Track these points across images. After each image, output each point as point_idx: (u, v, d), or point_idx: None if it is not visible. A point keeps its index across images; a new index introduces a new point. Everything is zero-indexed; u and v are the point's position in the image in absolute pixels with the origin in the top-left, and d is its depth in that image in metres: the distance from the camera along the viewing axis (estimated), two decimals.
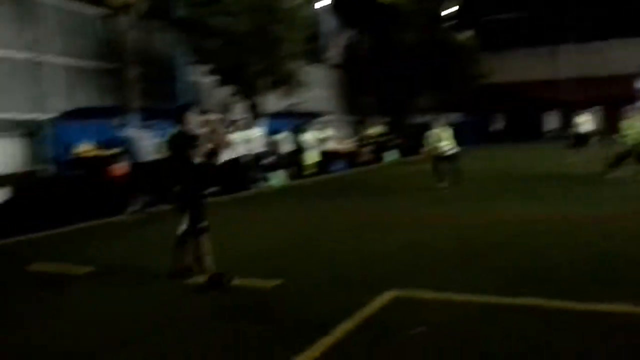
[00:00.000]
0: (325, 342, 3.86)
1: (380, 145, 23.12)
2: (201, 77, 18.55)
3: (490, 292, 4.82)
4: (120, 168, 13.39)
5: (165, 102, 16.71)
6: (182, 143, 5.65)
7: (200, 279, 5.44)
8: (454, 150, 12.77)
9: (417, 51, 29.50)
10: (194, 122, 5.81)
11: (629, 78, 34.93)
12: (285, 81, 18.17)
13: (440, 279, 5.37)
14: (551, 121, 37.49)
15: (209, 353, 3.85)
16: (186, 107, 5.94)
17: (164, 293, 5.36)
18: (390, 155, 23.31)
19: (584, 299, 4.50)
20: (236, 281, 5.39)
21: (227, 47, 16.32)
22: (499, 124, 38.29)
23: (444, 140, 12.64)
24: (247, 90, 17.25)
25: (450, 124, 14.75)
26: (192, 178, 5.57)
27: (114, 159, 14.48)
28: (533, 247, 6.49)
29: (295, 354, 3.67)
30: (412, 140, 28.71)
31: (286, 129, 17.69)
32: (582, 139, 17.94)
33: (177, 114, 5.84)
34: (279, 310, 4.68)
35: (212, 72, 17.33)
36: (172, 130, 5.85)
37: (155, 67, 17.81)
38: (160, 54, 18.34)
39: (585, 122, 18.38)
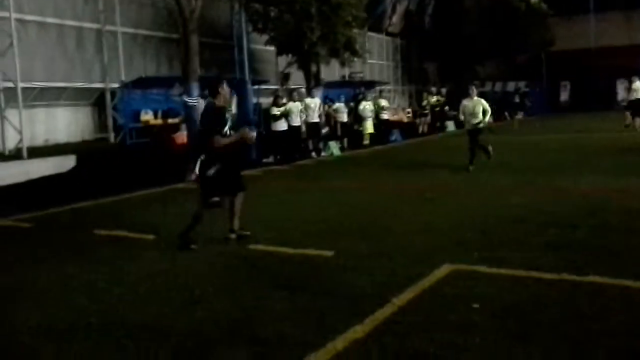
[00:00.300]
0: (384, 312, 3.86)
1: (438, 116, 22.55)
2: (261, 46, 18.61)
3: (555, 270, 4.65)
4: (181, 137, 13.74)
5: (225, 71, 16.91)
6: (212, 116, 5.77)
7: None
8: (481, 125, 11.14)
9: (481, 17, 28.42)
10: (226, 94, 5.85)
11: None
12: (343, 49, 17.97)
13: (500, 253, 5.23)
14: (623, 90, 35.51)
15: (267, 321, 3.91)
16: (218, 80, 5.96)
17: (221, 259, 5.48)
18: (449, 126, 22.77)
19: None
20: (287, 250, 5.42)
21: (287, 15, 16.27)
22: (567, 93, 36.69)
23: (477, 113, 11.05)
24: (306, 58, 17.18)
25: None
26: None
27: (176, 128, 14.88)
28: (600, 224, 6.22)
29: (352, 325, 3.67)
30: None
31: (343, 98, 17.56)
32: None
33: (209, 87, 5.89)
34: (334, 281, 4.68)
35: (271, 40, 17.35)
36: (206, 102, 5.95)
37: (216, 37, 18.01)
38: (220, 23, 18.51)
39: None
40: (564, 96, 35.78)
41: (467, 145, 11.12)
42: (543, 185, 9.10)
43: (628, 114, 18.20)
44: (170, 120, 15.60)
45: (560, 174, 10.11)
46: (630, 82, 18.18)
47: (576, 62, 35.42)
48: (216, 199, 5.76)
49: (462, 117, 11.64)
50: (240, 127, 6.29)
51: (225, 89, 5.87)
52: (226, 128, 5.92)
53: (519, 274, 4.62)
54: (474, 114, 11.03)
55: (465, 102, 11.33)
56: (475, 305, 3.95)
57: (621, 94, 35.06)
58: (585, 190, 8.45)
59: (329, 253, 5.45)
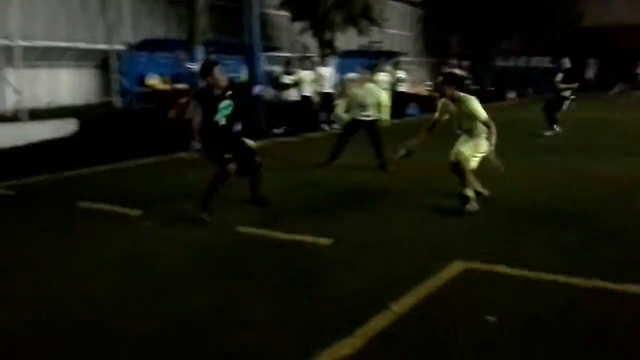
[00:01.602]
0: (379, 322, 3.27)
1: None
2: (272, 11, 17.75)
3: (586, 272, 4.01)
4: (187, 103, 13.11)
5: (233, 36, 16.14)
6: (209, 99, 5.52)
7: None
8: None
9: None
10: (220, 77, 5.53)
11: None
12: (360, 17, 17.08)
13: (523, 251, 4.58)
14: None
15: (239, 328, 3.34)
16: (212, 63, 5.80)
17: (205, 243, 4.92)
18: None
19: None
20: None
21: None
22: (593, 71, 35.30)
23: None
24: (320, 25, 16.33)
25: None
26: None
27: (182, 93, 14.26)
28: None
29: (340, 338, 3.08)
30: (495, 85, 26.90)
31: (360, 69, 16.73)
32: None
33: (202, 71, 5.66)
34: (327, 278, 4.08)
35: (284, 4, 16.50)
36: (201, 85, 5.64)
37: None
38: None
39: None
40: (589, 74, 34.38)
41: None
42: (575, 169, 8.33)
43: None
44: (178, 86, 14.98)
45: (595, 157, 9.34)
46: None
47: (603, 39, 33.98)
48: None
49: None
50: (240, 118, 5.73)
51: (218, 72, 5.53)
52: (219, 116, 5.48)
53: (545, 277, 3.98)
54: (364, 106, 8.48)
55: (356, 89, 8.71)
56: (492, 319, 3.33)
57: None
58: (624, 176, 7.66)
59: (326, 241, 4.84)
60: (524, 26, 28.48)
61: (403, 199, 6.54)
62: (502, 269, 4.14)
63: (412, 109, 17.84)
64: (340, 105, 9.20)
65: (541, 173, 8.06)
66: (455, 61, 22.90)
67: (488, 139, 5.68)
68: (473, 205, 5.66)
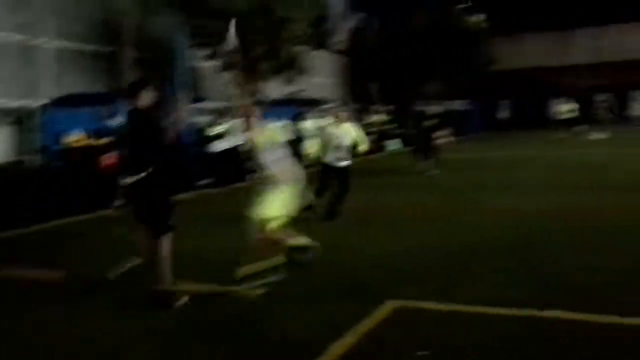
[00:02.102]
0: None
1: (382, 134, 22.37)
2: (201, 62, 17.86)
3: (510, 302, 4.18)
4: (111, 159, 12.79)
5: (161, 88, 16.04)
6: (142, 121, 4.82)
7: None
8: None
9: (425, 36, 28.64)
10: (149, 99, 4.87)
11: None
12: (288, 66, 17.44)
13: (450, 286, 4.74)
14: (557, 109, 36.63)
15: None
16: (140, 83, 5.02)
17: (132, 312, 4.75)
18: (393, 145, 22.60)
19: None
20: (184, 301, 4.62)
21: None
22: (506, 112, 37.50)
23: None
24: (248, 75, 16.53)
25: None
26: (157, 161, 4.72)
27: (105, 149, 13.89)
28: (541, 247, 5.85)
29: None
30: (417, 128, 27.97)
31: (286, 117, 16.99)
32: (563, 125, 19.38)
33: (130, 91, 4.92)
34: (263, 327, 4.06)
35: (212, 56, 16.62)
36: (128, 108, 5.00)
37: (152, 51, 17.12)
38: (157, 37, 17.65)
39: (568, 110, 19.94)
40: (503, 114, 36.48)
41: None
42: (493, 206, 8.75)
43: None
44: (100, 141, 14.59)
45: (513, 193, 9.85)
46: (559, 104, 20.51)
47: (516, 81, 36.28)
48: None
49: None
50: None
51: (149, 92, 4.87)
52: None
53: (473, 310, 4.13)
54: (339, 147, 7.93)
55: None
56: (423, 353, 3.41)
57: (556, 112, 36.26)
58: (543, 209, 8.11)
59: (258, 291, 4.81)
60: (441, 71, 30.01)
61: (337, 244, 6.61)
62: (431, 305, 4.27)
63: None
64: (312, 146, 8.77)
65: (466, 211, 8.40)
66: (377, 107, 23.74)
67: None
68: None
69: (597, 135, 21.35)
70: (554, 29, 36.75)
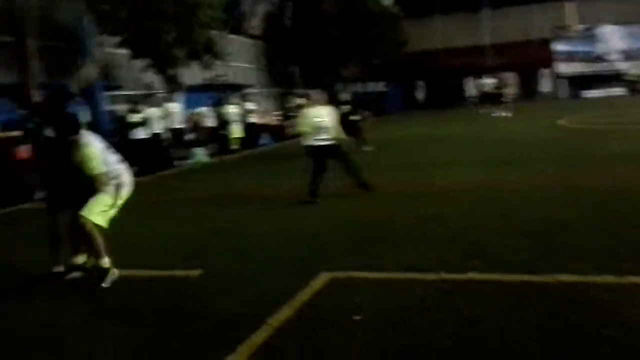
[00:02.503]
0: (259, 336, 3.44)
1: None
2: (112, 50, 17.25)
3: (430, 268, 4.53)
4: (24, 152, 12.23)
5: (71, 78, 15.39)
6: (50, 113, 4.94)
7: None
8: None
9: (339, 19, 29.02)
10: (56, 91, 5.03)
11: (546, 42, 36.22)
12: (203, 52, 17.20)
13: (375, 255, 5.04)
14: (472, 87, 38.52)
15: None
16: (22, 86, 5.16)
17: (62, 293, 4.72)
18: None
19: (533, 271, 4.28)
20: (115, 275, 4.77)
21: (138, 15, 15.15)
22: (422, 92, 38.82)
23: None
24: (163, 62, 16.18)
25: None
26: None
27: (17, 141, 13.22)
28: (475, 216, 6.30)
29: (223, 356, 3.22)
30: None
31: (207, 103, 16.86)
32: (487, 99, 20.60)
33: (18, 94, 5.04)
34: (202, 305, 4.17)
35: (123, 43, 16.10)
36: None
37: (59, 39, 16.35)
38: (64, 25, 16.85)
39: (490, 84, 20.97)
40: (420, 95, 37.79)
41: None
42: (417, 178, 9.23)
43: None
44: (11, 134, 13.84)
45: (441, 167, 10.38)
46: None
47: (429, 62, 37.61)
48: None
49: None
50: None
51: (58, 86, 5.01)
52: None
53: (398, 276, 4.44)
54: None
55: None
56: (357, 317, 3.67)
57: (469, 91, 38.09)
58: (449, 183, 8.66)
59: (195, 272, 4.91)
60: (357, 54, 30.58)
61: (271, 223, 6.78)
62: (362, 274, 4.54)
63: (264, 139, 18.30)
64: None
65: (391, 185, 8.80)
66: (298, 91, 23.92)
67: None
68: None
69: (500, 114, 22.56)
70: (460, 10, 38.36)
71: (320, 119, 7.90)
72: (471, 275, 4.30)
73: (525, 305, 3.67)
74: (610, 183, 7.54)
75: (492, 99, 24.50)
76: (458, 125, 20.51)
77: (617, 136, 13.30)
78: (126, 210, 5.07)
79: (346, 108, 13.50)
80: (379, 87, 33.94)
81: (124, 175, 5.05)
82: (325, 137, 7.90)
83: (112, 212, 4.91)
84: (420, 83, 37.90)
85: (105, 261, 4.79)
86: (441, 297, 3.95)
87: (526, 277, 4.15)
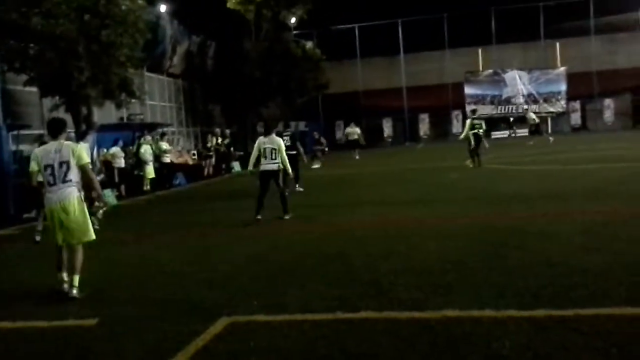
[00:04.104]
0: None
1: (224, 157, 22.49)
2: (18, 87, 16.59)
3: (329, 307, 4.62)
4: None
5: None
6: None
7: None
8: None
9: (262, 60, 29.46)
10: None
11: (459, 85, 38.33)
12: (118, 90, 16.89)
13: (278, 296, 5.08)
14: (390, 127, 39.95)
15: None
16: None
17: None
18: (235, 167, 22.85)
19: (422, 308, 4.47)
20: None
21: (50, 53, 14.71)
22: (342, 132, 39.68)
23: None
24: (74, 100, 15.72)
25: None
26: None
27: None
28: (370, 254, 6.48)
29: None
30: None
31: (120, 142, 16.47)
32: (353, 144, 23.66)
33: None
34: (98, 353, 4.04)
35: (31, 81, 15.53)
36: None
37: None
38: None
39: (352, 132, 22.47)
40: (338, 134, 38.62)
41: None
42: (323, 217, 9.37)
43: None
44: None
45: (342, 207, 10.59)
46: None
47: (349, 103, 38.73)
48: None
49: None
50: None
51: None
52: None
53: (297, 318, 4.50)
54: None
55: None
56: None
57: (387, 131, 39.50)
58: (355, 223, 8.88)
59: (92, 321, 4.74)
60: (279, 94, 31.05)
61: (173, 267, 6.66)
62: (261, 317, 4.56)
63: (179, 179, 18.01)
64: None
65: (292, 225, 8.90)
66: (218, 130, 23.90)
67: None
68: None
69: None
70: (380, 54, 40.05)
71: (270, 147, 9.44)
72: (365, 314, 4.42)
73: (414, 341, 3.82)
74: (508, 222, 8.01)
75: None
76: (372, 165, 21.11)
77: (518, 175, 14.18)
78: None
79: (285, 140, 13.53)
80: (300, 126, 34.49)
81: None
82: (272, 161, 9.43)
83: None
84: (340, 123, 38.81)
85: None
86: (335, 337, 4.04)
87: (416, 314, 4.33)
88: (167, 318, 4.74)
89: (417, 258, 6.18)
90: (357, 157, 24.99)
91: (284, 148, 9.58)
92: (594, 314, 4.07)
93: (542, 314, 4.13)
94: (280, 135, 10.93)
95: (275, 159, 9.42)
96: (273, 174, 9.44)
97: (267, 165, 9.44)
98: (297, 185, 13.40)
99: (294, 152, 12.72)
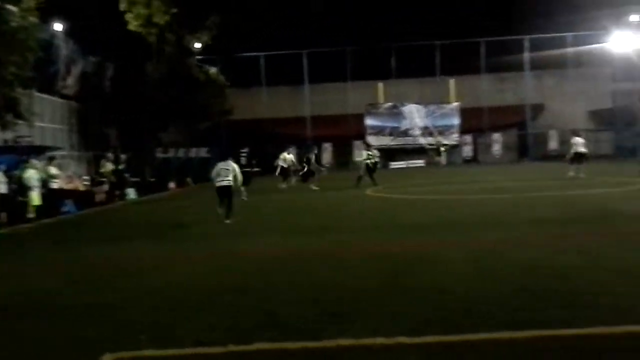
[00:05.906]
0: None
1: (117, 183, 21.43)
2: None
3: (221, 340, 4.43)
4: None
5: None
6: None
7: None
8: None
9: (162, 83, 28.73)
10: None
11: (360, 116, 39.51)
12: (4, 111, 15.75)
13: (168, 328, 4.81)
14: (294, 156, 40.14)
15: None
16: None
17: None
18: (130, 193, 21.82)
19: (317, 338, 4.40)
20: None
21: None
22: (245, 159, 39.48)
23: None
24: None
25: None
26: None
27: None
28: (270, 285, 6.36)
29: None
30: (156, 175, 27.57)
31: (2, 166, 15.24)
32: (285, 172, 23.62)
33: None
34: None
35: None
36: None
37: None
38: None
39: (287, 159, 23.61)
40: (243, 161, 38.35)
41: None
42: (224, 246, 9.12)
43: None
44: None
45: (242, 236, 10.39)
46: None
47: (253, 130, 38.65)
48: None
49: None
50: None
51: None
52: None
53: (185, 352, 4.27)
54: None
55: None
56: None
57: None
58: (270, 250, 8.72)
59: None
60: (179, 119, 30.36)
61: (49, 299, 6.16)
62: (148, 352, 4.28)
63: (68, 207, 16.86)
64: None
65: (183, 260, 8.60)
66: (111, 155, 22.87)
67: None
68: None
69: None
70: (284, 83, 40.54)
71: (225, 169, 12.25)
72: (257, 345, 4.29)
73: None
74: (405, 250, 8.20)
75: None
76: (274, 193, 21.04)
77: (415, 206, 14.70)
78: None
79: (243, 160, 14.36)
80: (202, 152, 33.86)
81: None
82: (225, 179, 12.10)
83: None
84: (244, 150, 38.57)
85: None
86: None
87: (310, 344, 4.26)
88: (50, 355, 4.35)
89: (316, 287, 6.14)
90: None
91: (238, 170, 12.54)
92: (479, 339, 4.20)
93: (431, 340, 4.22)
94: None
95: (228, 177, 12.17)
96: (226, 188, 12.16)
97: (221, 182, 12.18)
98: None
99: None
